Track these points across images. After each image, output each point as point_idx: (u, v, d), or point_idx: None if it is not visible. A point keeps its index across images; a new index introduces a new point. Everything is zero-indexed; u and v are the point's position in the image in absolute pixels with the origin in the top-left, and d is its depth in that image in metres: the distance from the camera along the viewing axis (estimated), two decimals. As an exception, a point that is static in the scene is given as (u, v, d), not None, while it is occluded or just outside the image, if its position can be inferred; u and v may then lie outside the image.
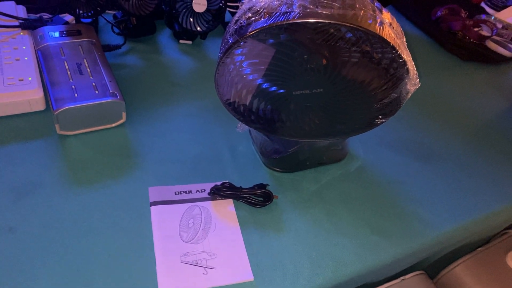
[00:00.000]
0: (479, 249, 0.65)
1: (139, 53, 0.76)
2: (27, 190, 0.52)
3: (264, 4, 0.40)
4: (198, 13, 0.75)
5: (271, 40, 0.42)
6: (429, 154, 0.67)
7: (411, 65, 0.43)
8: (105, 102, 0.58)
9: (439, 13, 0.98)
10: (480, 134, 0.72)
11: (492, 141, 0.71)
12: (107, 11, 0.78)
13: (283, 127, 0.53)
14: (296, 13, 0.38)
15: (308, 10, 0.38)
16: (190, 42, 0.80)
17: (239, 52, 0.44)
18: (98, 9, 0.72)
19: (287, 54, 0.43)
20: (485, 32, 0.96)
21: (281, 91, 0.48)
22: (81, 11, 0.71)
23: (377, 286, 0.56)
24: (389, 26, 0.40)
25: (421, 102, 0.77)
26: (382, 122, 0.50)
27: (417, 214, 0.58)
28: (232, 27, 0.43)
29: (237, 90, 0.49)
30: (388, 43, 0.39)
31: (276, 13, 0.39)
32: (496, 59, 0.91)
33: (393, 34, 0.40)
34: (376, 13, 0.40)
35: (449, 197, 0.61)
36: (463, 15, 0.99)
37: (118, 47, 0.74)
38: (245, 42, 0.42)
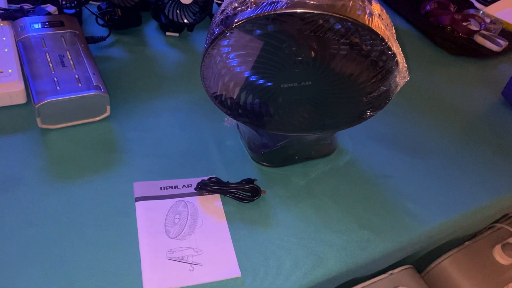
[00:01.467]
0: (466, 242, 0.65)
1: (124, 45, 0.74)
2: (8, 186, 0.50)
3: (251, -6, 0.39)
4: (185, 4, 0.74)
5: (258, 31, 0.41)
6: (418, 148, 0.67)
7: (400, 57, 0.42)
8: (88, 95, 0.56)
9: (428, 7, 0.98)
10: (469, 128, 0.72)
11: (480, 135, 0.71)
12: (91, 1, 0.76)
13: (271, 121, 0.52)
14: (283, 3, 0.37)
15: (296, 0, 0.37)
16: (177, 34, 0.79)
17: (226, 43, 0.43)
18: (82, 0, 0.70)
19: (275, 46, 0.42)
20: (474, 26, 0.96)
21: (269, 84, 0.47)
22: (64, 2, 0.69)
23: (365, 280, 0.56)
24: (379, 18, 0.39)
25: (410, 96, 0.77)
26: (371, 116, 0.49)
27: (406, 208, 0.57)
28: (218, 18, 0.42)
29: (224, 83, 0.48)
30: (378, 34, 0.39)
31: (263, 3, 0.38)
32: (485, 54, 0.92)
33: (382, 26, 0.39)
34: (366, 4, 0.39)
35: (438, 192, 0.60)
36: (452, 9, 0.99)
37: (102, 39, 0.72)
38: (231, 33, 0.40)
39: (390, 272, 0.58)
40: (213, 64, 0.45)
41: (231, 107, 0.51)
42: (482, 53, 0.92)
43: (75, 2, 0.69)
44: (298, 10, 0.37)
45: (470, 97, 0.80)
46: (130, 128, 0.60)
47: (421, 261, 0.65)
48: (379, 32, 0.39)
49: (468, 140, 0.70)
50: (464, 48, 0.91)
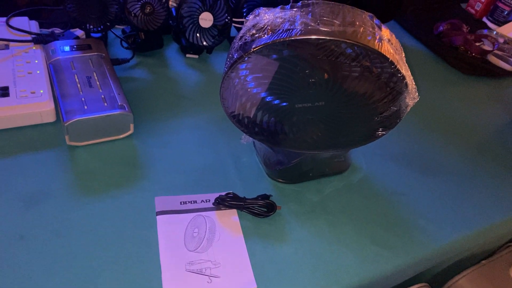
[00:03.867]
0: (483, 261, 0.65)
1: (147, 67, 0.78)
2: (37, 199, 0.53)
3: (267, 21, 0.42)
4: (205, 28, 0.77)
5: (274, 56, 0.43)
6: (431, 166, 0.68)
7: (409, 79, 0.44)
8: (114, 114, 0.59)
9: (441, 28, 1.00)
10: (482, 147, 0.73)
11: (493, 154, 0.72)
12: (116, 26, 0.80)
13: (286, 139, 0.54)
14: (298, 30, 0.39)
15: (309, 27, 0.40)
16: (196, 56, 0.82)
17: (244, 67, 0.46)
18: (108, 24, 0.74)
19: (290, 69, 0.45)
20: (487, 46, 0.97)
21: (284, 104, 0.49)
22: (91, 26, 0.73)
23: (380, 297, 0.57)
24: (388, 42, 0.42)
25: (423, 115, 0.78)
26: (383, 135, 0.51)
27: (419, 225, 0.58)
28: (237, 43, 0.45)
29: (241, 103, 0.51)
30: (387, 58, 0.41)
31: (279, 30, 0.41)
32: (498, 73, 0.93)
33: (391, 50, 0.41)
34: (376, 30, 0.41)
35: (451, 209, 0.61)
36: (464, 30, 1.01)
37: (126, 60, 0.76)
38: (249, 57, 0.43)
39: (405, 289, 0.59)
40: (231, 86, 0.48)
41: (248, 126, 0.53)
42: (496, 73, 0.93)
43: (102, 27, 0.74)
44: (312, 37, 0.39)
45: (483, 116, 0.81)
46: (152, 145, 0.63)
47: (437, 279, 0.66)
48: (388, 56, 0.41)
49: (480, 158, 0.71)
50: (477, 67, 0.92)
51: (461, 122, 0.78)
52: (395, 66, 0.42)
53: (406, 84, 0.44)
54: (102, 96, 0.62)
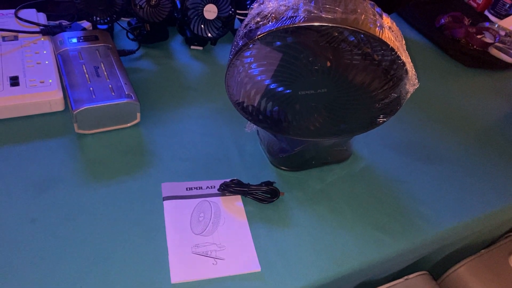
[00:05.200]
0: (482, 250, 0.66)
1: (152, 58, 0.80)
2: (48, 185, 0.55)
3: (271, 9, 0.43)
4: (209, 20, 0.79)
5: (278, 43, 0.45)
6: (432, 155, 0.69)
7: (409, 66, 0.45)
8: (121, 103, 0.61)
9: (442, 21, 1.01)
10: (482, 137, 0.74)
11: (494, 144, 0.73)
12: (122, 18, 0.82)
13: (289, 126, 0.55)
14: (301, 17, 0.41)
15: (312, 14, 0.41)
16: (201, 48, 0.84)
17: (248, 54, 0.47)
18: (114, 16, 0.75)
19: (294, 56, 0.46)
20: (488, 39, 0.98)
21: (288, 91, 0.51)
22: (98, 18, 0.75)
23: (381, 284, 0.58)
24: (389, 30, 0.43)
25: (425, 106, 0.79)
26: (384, 122, 0.52)
27: (419, 212, 0.60)
28: (242, 31, 0.46)
29: (246, 91, 0.52)
30: (388, 45, 0.42)
31: (283, 17, 0.42)
32: (499, 66, 0.93)
33: (392, 37, 0.43)
34: (377, 17, 0.42)
35: (451, 196, 0.63)
36: (466, 22, 1.02)
37: (132, 52, 0.77)
38: (253, 44, 0.45)
39: (405, 277, 0.60)
40: (236, 73, 0.49)
41: (252, 114, 0.55)
42: (497, 65, 0.93)
43: (108, 19, 0.75)
44: (315, 24, 0.41)
45: (484, 107, 0.82)
46: (158, 133, 0.65)
47: (437, 268, 0.67)
48: (389, 43, 0.42)
49: (481, 147, 0.72)
50: (479, 60, 0.93)
51: (462, 113, 0.80)
52: (396, 53, 0.43)
53: (406, 71, 0.45)
54: (110, 86, 0.63)
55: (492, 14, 1.12)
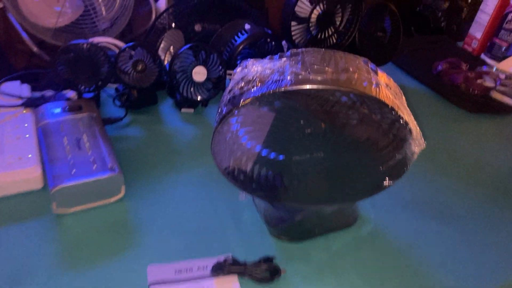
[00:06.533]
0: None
1: (141, 124, 0.76)
2: (20, 278, 0.49)
3: (256, 73, 0.40)
4: (199, 82, 0.76)
5: (265, 108, 0.41)
6: (446, 212, 0.63)
7: (413, 125, 0.41)
8: (103, 178, 0.56)
9: (439, 67, 0.98)
10: (498, 188, 0.69)
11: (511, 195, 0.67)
12: (109, 84, 0.79)
13: (286, 194, 0.50)
14: (288, 81, 0.37)
15: (300, 77, 0.37)
16: (191, 110, 0.80)
17: (234, 121, 0.43)
18: (100, 83, 0.73)
19: (284, 121, 0.42)
20: (489, 83, 0.95)
21: (281, 157, 0.46)
22: (82, 87, 0.72)
23: None
24: (386, 87, 0.39)
25: (432, 157, 0.74)
26: (390, 185, 0.47)
27: (439, 280, 0.53)
28: (226, 97, 0.42)
29: (235, 158, 0.48)
30: (386, 104, 0.38)
31: (268, 81, 0.38)
32: (504, 110, 0.90)
33: (391, 95, 0.39)
34: (371, 75, 0.39)
35: (473, 260, 0.56)
36: (464, 67, 0.99)
37: (119, 119, 0.74)
38: (238, 111, 0.41)
39: None
40: (223, 141, 0.45)
41: (244, 182, 0.50)
42: (501, 109, 0.90)
43: (94, 87, 0.72)
44: (303, 87, 0.37)
45: (495, 155, 0.77)
46: (145, 207, 0.60)
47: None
48: (387, 102, 0.38)
49: (499, 200, 0.66)
50: (482, 105, 0.90)
51: (472, 163, 0.74)
52: (396, 112, 0.39)
53: (410, 130, 0.41)
54: (92, 158, 0.59)
55: (489, 57, 1.10)
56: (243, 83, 0.40)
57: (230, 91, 0.42)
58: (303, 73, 0.37)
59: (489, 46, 1.09)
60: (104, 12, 0.98)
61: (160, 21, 0.91)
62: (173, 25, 0.92)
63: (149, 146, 0.71)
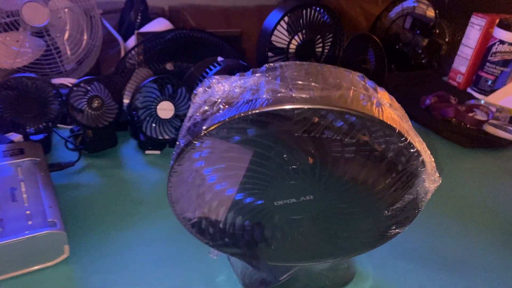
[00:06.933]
0: None
1: (97, 170, 0.66)
2: None
3: (222, 94, 0.31)
4: (165, 119, 0.67)
5: (236, 137, 0.31)
6: (453, 262, 0.54)
7: (426, 155, 0.32)
8: (40, 235, 0.45)
9: (428, 101, 0.93)
10: (507, 229, 0.60)
11: (526, 239, 0.58)
12: (62, 126, 0.69)
13: (268, 249, 0.40)
14: (263, 100, 0.28)
15: (279, 94, 0.28)
16: (158, 152, 0.71)
17: (198, 157, 0.33)
18: (49, 124, 0.63)
19: (261, 154, 0.33)
20: (481, 116, 0.90)
21: (259, 202, 0.36)
22: (30, 129, 0.62)
23: None
24: (390, 108, 0.30)
25: (433, 200, 0.65)
26: (397, 233, 0.38)
27: None
28: (185, 126, 0.33)
29: (202, 205, 0.37)
30: (393, 128, 0.29)
31: (238, 102, 0.29)
32: (500, 143, 0.83)
33: (397, 118, 0.30)
34: (371, 92, 0.30)
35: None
36: (453, 101, 0.94)
37: (71, 164, 0.63)
38: (201, 142, 0.31)
39: None
40: (183, 183, 0.35)
41: (214, 236, 0.39)
42: (497, 143, 0.83)
43: (42, 127, 0.62)
44: (283, 107, 0.28)
45: (498, 192, 0.69)
46: (95, 270, 0.48)
47: None
48: (394, 126, 0.29)
49: (509, 242, 0.57)
50: (477, 139, 0.83)
51: (477, 202, 0.66)
52: (406, 139, 0.30)
53: (423, 162, 0.32)
54: (27, 212, 0.48)
55: (476, 91, 1.05)
56: (206, 106, 0.31)
57: (190, 118, 0.32)
58: (283, 90, 0.28)
59: (475, 79, 1.05)
60: (69, 52, 0.89)
61: (129, 61, 0.83)
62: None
63: (105, 196, 0.60)
